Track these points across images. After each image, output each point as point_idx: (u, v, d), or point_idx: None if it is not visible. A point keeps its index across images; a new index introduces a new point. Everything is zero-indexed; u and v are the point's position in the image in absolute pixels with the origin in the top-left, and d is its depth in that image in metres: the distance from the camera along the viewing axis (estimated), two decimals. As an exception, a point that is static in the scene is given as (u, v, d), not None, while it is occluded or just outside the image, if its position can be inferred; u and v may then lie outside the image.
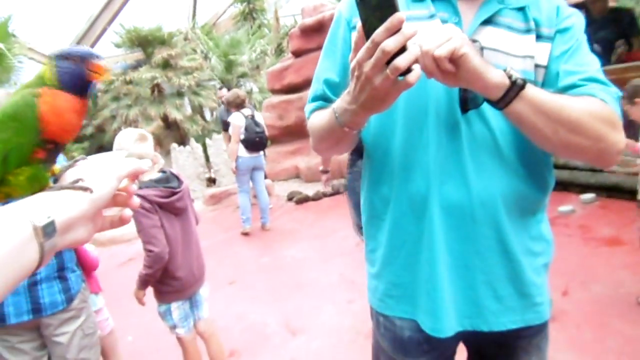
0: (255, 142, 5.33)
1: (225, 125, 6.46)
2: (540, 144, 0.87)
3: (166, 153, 9.58)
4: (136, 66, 10.09)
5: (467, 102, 0.94)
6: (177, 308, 2.24)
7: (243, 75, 12.13)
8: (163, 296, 2.23)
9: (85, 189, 0.53)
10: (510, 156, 0.95)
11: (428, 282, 0.98)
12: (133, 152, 2.08)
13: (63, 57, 0.62)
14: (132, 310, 2.51)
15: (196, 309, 2.37)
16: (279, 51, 11.65)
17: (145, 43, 10.04)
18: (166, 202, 2.10)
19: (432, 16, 0.97)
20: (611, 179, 4.55)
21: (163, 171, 2.22)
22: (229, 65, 11.69)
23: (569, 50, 0.93)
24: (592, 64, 0.93)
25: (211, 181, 8.91)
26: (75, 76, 0.62)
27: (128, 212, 0.61)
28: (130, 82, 9.73)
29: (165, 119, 10.04)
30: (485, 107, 0.93)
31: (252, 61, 12.16)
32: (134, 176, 0.60)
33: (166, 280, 2.18)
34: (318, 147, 1.09)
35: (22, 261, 0.44)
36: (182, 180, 2.24)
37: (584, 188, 4.78)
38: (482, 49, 0.92)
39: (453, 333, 0.97)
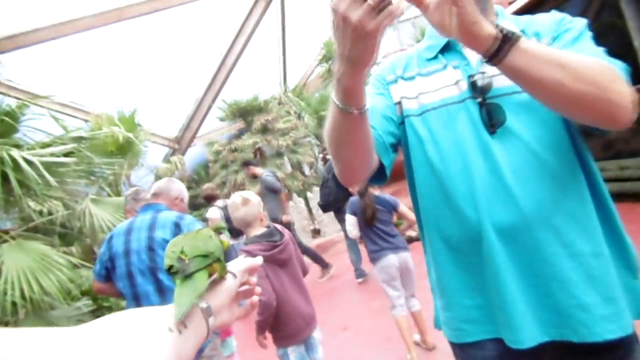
0: None
1: None
2: (547, 99, 0.83)
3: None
4: (239, 135, 11.08)
5: (492, 121, 0.99)
6: (293, 351, 2.41)
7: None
8: (279, 341, 2.43)
9: (234, 275, 0.71)
10: (550, 158, 0.96)
11: (498, 297, 0.98)
12: (238, 215, 2.38)
13: None
14: (262, 357, 2.70)
15: (312, 352, 2.51)
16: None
17: (245, 113, 11.04)
18: (269, 254, 2.32)
19: (445, 66, 1.08)
20: None
21: (267, 227, 2.47)
22: (321, 121, 12.27)
23: (568, 42, 0.96)
24: (596, 54, 0.91)
25: (316, 232, 9.21)
26: None
27: (255, 298, 0.77)
28: (235, 150, 10.67)
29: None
30: (513, 121, 0.98)
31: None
32: (252, 270, 0.77)
33: (279, 327, 2.38)
34: (335, 154, 1.00)
35: (202, 332, 0.62)
36: (284, 234, 2.47)
37: None
38: (490, 77, 0.99)
39: (535, 343, 0.96)
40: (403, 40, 10.90)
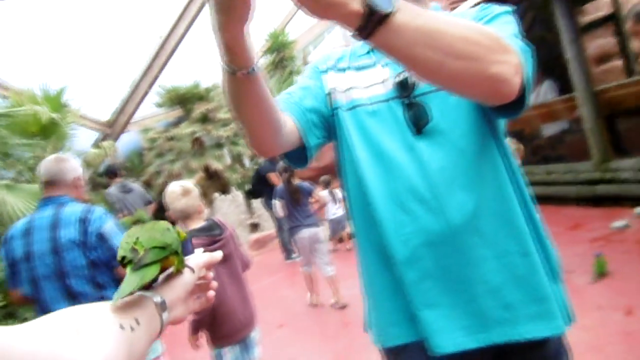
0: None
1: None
2: (427, 77, 0.77)
3: (209, 202, 9.87)
4: (177, 123, 10.63)
5: (418, 121, 0.99)
6: (228, 352, 2.28)
7: (278, 121, 12.40)
8: (215, 341, 2.28)
9: (192, 269, 0.70)
10: (476, 158, 0.96)
11: (418, 300, 0.97)
12: (177, 206, 2.22)
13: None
14: (192, 357, 2.56)
15: (247, 353, 2.40)
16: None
17: (184, 100, 10.59)
18: (208, 250, 2.18)
19: (375, 63, 1.09)
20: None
21: (207, 220, 2.33)
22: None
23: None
24: (503, 31, 0.86)
25: (254, 226, 9.06)
26: None
27: (212, 293, 0.76)
28: (172, 138, 10.22)
29: (206, 170, 10.41)
30: (439, 120, 0.98)
31: (285, 107, 12.45)
32: (210, 265, 0.76)
33: (215, 326, 2.24)
34: (234, 117, 0.94)
35: (155, 327, 0.60)
36: (225, 228, 2.33)
37: (635, 201, 4.56)
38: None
39: (458, 349, 0.94)
40: (348, 35, 10.93)
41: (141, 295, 0.61)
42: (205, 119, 10.49)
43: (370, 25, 0.65)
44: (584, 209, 5.09)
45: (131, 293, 0.58)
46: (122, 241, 0.66)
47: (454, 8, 8.01)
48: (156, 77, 9.28)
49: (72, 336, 0.47)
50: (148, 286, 0.64)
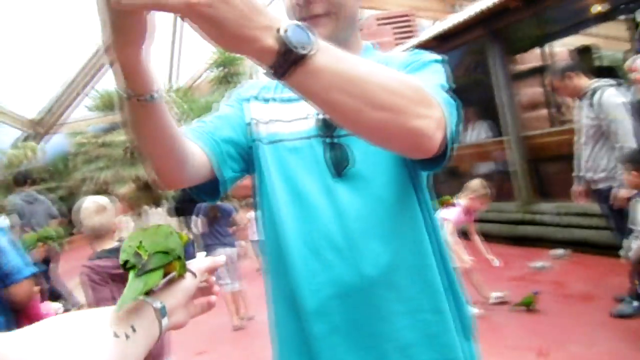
0: None
1: None
2: (345, 124, 0.72)
3: (138, 215, 9.40)
4: (110, 129, 10.10)
5: (339, 163, 0.94)
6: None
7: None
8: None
9: (194, 274, 0.69)
10: (395, 207, 0.93)
11: (326, 359, 0.91)
12: (90, 224, 2.03)
13: None
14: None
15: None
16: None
17: (120, 106, 10.14)
18: (119, 272, 2.01)
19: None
20: (581, 234, 4.62)
21: (120, 240, 2.15)
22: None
23: (409, 72, 0.90)
24: (430, 81, 0.84)
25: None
26: None
27: (213, 298, 0.75)
28: (104, 144, 9.68)
29: (138, 180, 9.94)
30: (360, 163, 0.93)
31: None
32: (212, 270, 0.74)
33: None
34: (136, 145, 0.85)
35: (154, 333, 0.60)
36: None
37: (554, 243, 4.84)
38: None
39: None
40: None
41: (140, 300, 0.60)
42: (141, 127, 10.08)
43: (285, 65, 0.59)
44: (507, 247, 5.32)
45: (135, 299, 0.58)
46: (125, 244, 0.66)
47: (399, 44, 8.32)
48: (91, 79, 8.83)
49: (64, 345, 0.47)
50: (148, 291, 0.63)
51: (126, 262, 0.62)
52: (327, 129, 0.97)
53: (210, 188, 1.00)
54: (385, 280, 0.90)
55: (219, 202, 4.73)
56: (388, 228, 0.92)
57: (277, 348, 1.02)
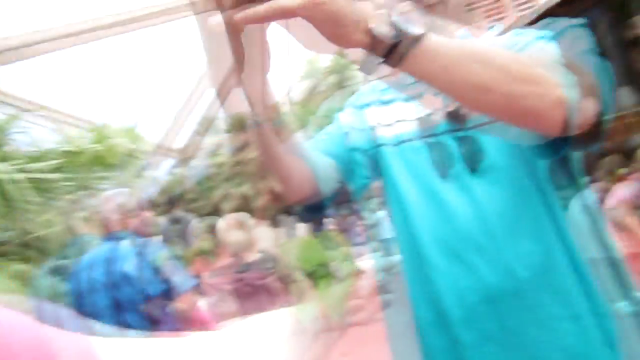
0: None
1: None
2: (475, 103, 0.66)
3: (276, 224, 10.03)
4: (242, 147, 11.00)
5: (471, 158, 0.88)
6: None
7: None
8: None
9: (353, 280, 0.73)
10: (535, 200, 0.85)
11: None
12: (230, 238, 2.25)
13: None
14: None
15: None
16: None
17: (248, 126, 10.99)
18: (262, 283, 2.18)
19: (424, 92, 0.97)
20: None
21: (262, 252, 2.34)
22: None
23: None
24: (571, 49, 0.74)
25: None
26: None
27: (377, 299, 0.81)
28: (239, 163, 10.59)
29: (272, 192, 10.63)
30: (495, 156, 0.87)
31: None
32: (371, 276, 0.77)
33: None
34: (267, 166, 0.91)
35: (323, 335, 0.67)
36: (278, 261, 2.33)
37: None
38: None
39: None
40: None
41: (306, 303, 0.69)
42: (269, 142, 10.78)
43: (401, 49, 0.60)
44: None
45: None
46: (302, 255, 0.74)
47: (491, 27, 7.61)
48: (222, 104, 9.69)
49: (257, 339, 0.53)
50: (312, 294, 0.72)
51: (312, 272, 0.74)
52: (457, 121, 0.91)
53: (342, 197, 1.03)
54: (540, 282, 0.84)
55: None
56: (535, 224, 0.86)
57: (424, 355, 1.00)
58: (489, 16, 8.42)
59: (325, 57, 13.50)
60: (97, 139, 6.31)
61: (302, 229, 9.31)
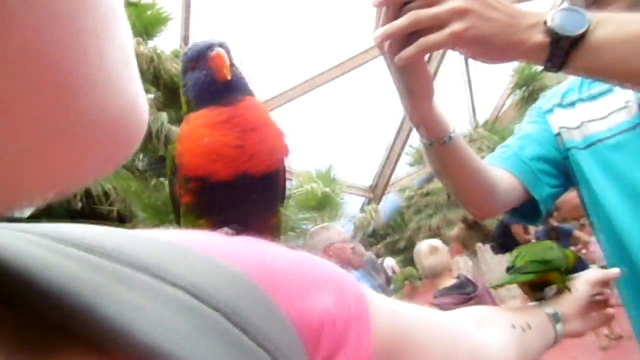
0: None
1: None
2: None
3: (473, 253, 9.56)
4: (429, 179, 10.95)
5: None
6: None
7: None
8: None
9: (570, 290, 0.74)
10: None
11: None
12: (426, 264, 2.28)
13: (186, 68, 0.50)
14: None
15: None
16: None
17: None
18: (459, 309, 2.14)
19: (611, 87, 0.91)
20: None
21: (457, 277, 2.31)
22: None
23: None
24: None
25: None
26: (200, 83, 0.49)
27: (610, 310, 0.76)
28: (427, 194, 10.56)
29: (465, 220, 10.23)
30: None
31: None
32: (605, 282, 0.76)
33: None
34: (442, 183, 0.97)
35: (549, 337, 0.67)
36: (477, 285, 2.26)
37: None
38: None
39: None
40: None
41: (532, 305, 0.71)
42: (457, 170, 10.52)
43: (562, 53, 0.59)
44: None
45: (499, 285, 0.82)
46: (512, 254, 0.82)
47: None
48: (407, 139, 9.89)
49: (473, 323, 0.57)
50: (537, 300, 0.75)
51: (510, 267, 0.79)
52: None
53: (530, 210, 0.99)
54: None
55: (556, 223, 4.46)
56: None
57: None
58: None
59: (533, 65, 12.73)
60: (298, 184, 7.13)
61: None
